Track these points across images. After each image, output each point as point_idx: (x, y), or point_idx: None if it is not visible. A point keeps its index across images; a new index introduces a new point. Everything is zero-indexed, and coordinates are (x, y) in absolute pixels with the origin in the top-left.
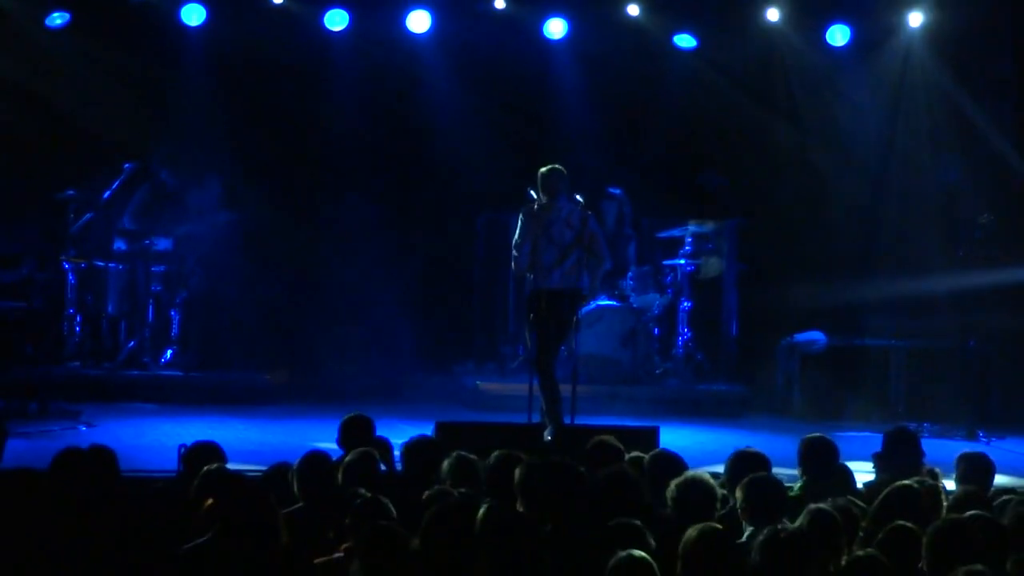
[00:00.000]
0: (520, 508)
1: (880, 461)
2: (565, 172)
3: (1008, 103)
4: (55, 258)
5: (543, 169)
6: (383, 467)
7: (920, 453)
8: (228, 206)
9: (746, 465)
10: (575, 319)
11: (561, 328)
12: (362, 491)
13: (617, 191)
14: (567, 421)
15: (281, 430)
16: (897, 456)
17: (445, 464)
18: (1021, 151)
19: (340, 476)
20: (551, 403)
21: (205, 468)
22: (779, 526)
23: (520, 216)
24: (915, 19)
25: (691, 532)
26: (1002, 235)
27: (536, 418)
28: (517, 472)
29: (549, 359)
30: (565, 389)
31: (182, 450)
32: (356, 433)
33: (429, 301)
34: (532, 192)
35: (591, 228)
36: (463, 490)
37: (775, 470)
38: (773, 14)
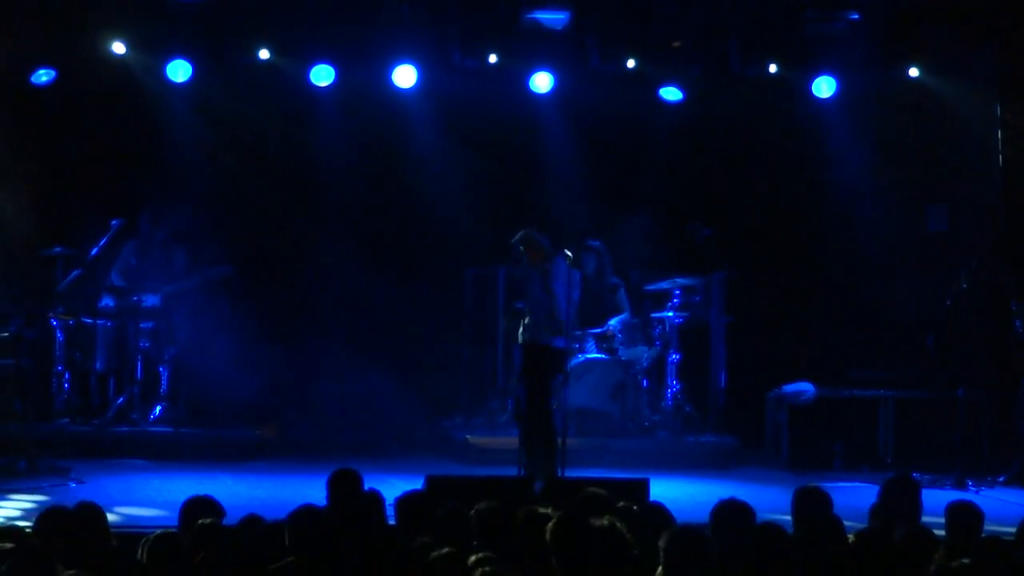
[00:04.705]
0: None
1: (877, 510)
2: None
3: (995, 153)
4: (43, 315)
5: (524, 233)
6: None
7: (918, 503)
8: (218, 261)
9: (731, 516)
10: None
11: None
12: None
13: (596, 243)
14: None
15: (271, 485)
16: (895, 506)
17: (437, 516)
18: (1007, 200)
19: (335, 531)
20: (550, 453)
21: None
22: None
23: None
24: (913, 72)
25: None
26: (987, 283)
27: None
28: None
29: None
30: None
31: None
32: (344, 488)
33: (417, 355)
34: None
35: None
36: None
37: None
38: (762, 67)
